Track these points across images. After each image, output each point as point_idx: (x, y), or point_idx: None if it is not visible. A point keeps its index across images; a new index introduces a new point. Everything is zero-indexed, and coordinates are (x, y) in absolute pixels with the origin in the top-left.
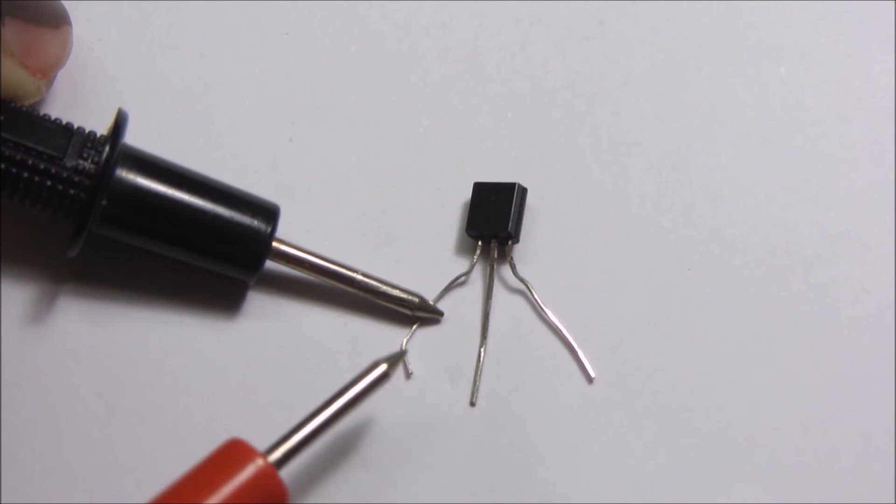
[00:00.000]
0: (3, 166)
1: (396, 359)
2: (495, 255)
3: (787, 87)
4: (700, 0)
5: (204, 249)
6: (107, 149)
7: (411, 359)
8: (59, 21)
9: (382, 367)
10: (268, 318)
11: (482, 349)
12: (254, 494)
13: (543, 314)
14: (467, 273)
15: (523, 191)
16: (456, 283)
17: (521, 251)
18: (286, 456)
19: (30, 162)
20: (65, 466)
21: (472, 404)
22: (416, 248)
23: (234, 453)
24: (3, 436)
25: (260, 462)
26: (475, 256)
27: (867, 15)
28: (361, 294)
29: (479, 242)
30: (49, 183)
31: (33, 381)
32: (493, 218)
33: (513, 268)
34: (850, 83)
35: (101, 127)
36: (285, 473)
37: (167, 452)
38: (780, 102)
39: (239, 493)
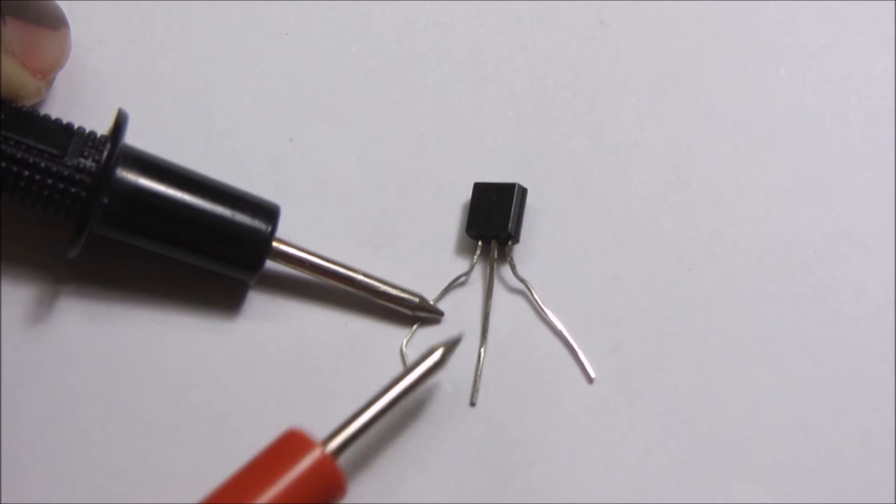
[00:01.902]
0: (3, 164)
1: (452, 345)
2: (495, 256)
3: (787, 87)
4: (700, 0)
5: (204, 249)
6: (108, 147)
7: (410, 358)
8: (57, 23)
9: (439, 353)
10: (268, 318)
11: (482, 349)
12: (312, 484)
13: (543, 314)
14: (467, 273)
15: (523, 191)
16: (456, 283)
17: (521, 251)
18: (344, 445)
19: (30, 160)
20: (65, 466)
21: (473, 404)
22: (417, 248)
23: (291, 444)
24: (3, 436)
25: (318, 452)
26: (475, 256)
27: (867, 15)
28: (362, 294)
29: (479, 242)
30: (50, 181)
31: (33, 381)
32: (494, 218)
33: (513, 268)
34: (850, 83)
35: (102, 127)
36: None
37: (167, 453)
38: (780, 102)
39: (298, 484)
